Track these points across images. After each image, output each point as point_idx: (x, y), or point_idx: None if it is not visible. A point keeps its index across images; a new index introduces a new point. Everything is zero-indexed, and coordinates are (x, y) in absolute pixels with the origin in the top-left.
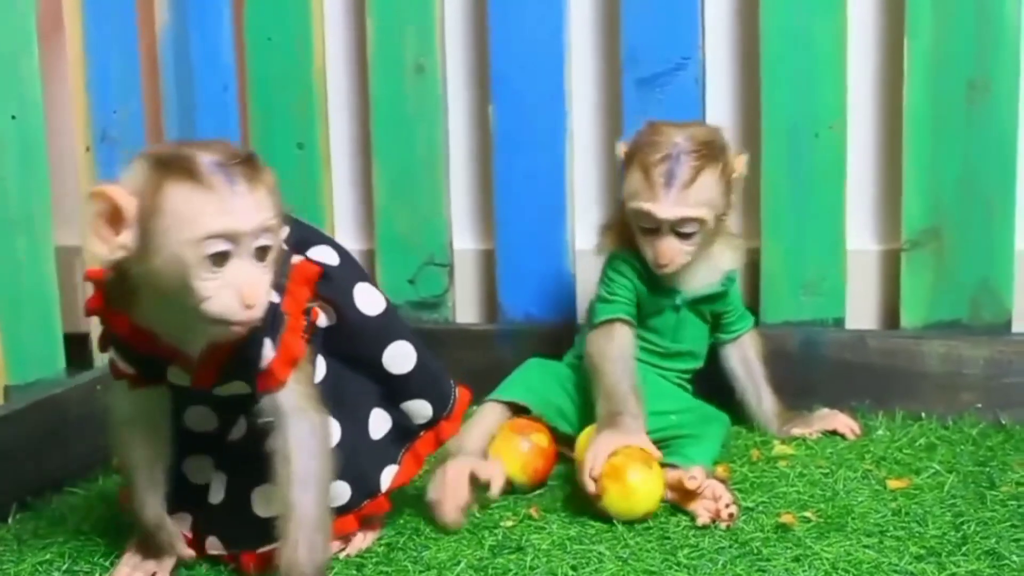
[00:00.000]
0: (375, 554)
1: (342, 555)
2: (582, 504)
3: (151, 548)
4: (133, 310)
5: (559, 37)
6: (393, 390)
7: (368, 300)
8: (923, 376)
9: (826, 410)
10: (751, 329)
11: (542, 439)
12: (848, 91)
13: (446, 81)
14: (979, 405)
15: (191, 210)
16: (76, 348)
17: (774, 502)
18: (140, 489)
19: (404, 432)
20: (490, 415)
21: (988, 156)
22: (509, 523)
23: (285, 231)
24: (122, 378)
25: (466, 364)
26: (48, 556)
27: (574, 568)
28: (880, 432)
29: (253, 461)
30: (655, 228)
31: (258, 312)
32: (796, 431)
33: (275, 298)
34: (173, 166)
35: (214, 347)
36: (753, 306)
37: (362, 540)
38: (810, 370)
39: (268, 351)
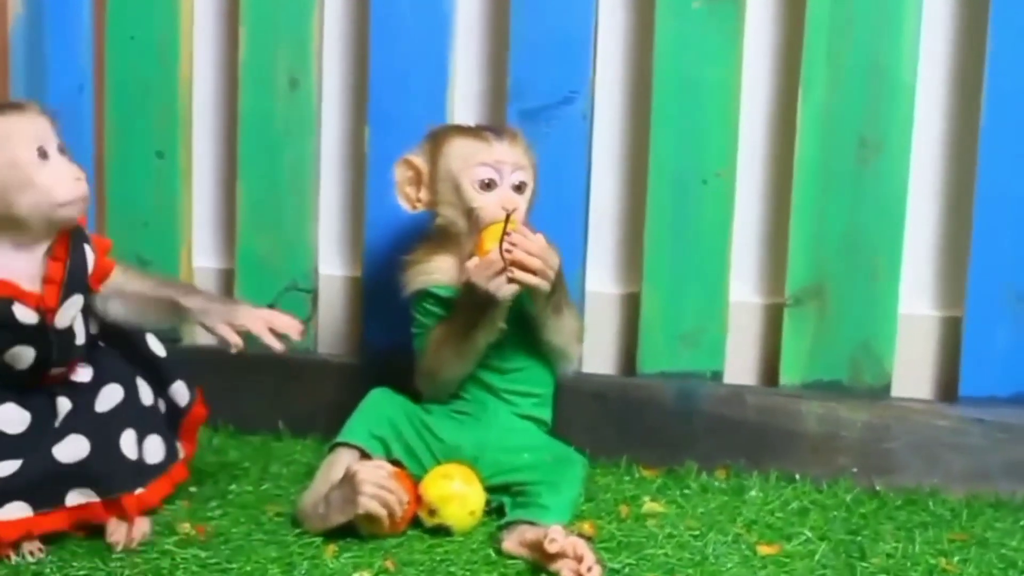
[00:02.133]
0: None
1: (119, 547)
2: (441, 557)
3: None
4: None
5: (442, 59)
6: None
7: None
8: (800, 436)
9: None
10: None
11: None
12: (739, 139)
13: (321, 98)
14: (855, 469)
15: None
16: None
17: (641, 564)
18: None
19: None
20: (339, 464)
21: (876, 216)
22: (364, 575)
23: None
24: None
25: (328, 397)
26: None
27: None
28: (753, 493)
29: (110, 409)
30: None
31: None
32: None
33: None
34: None
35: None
36: (629, 355)
37: (144, 525)
38: (685, 424)
39: (90, 254)
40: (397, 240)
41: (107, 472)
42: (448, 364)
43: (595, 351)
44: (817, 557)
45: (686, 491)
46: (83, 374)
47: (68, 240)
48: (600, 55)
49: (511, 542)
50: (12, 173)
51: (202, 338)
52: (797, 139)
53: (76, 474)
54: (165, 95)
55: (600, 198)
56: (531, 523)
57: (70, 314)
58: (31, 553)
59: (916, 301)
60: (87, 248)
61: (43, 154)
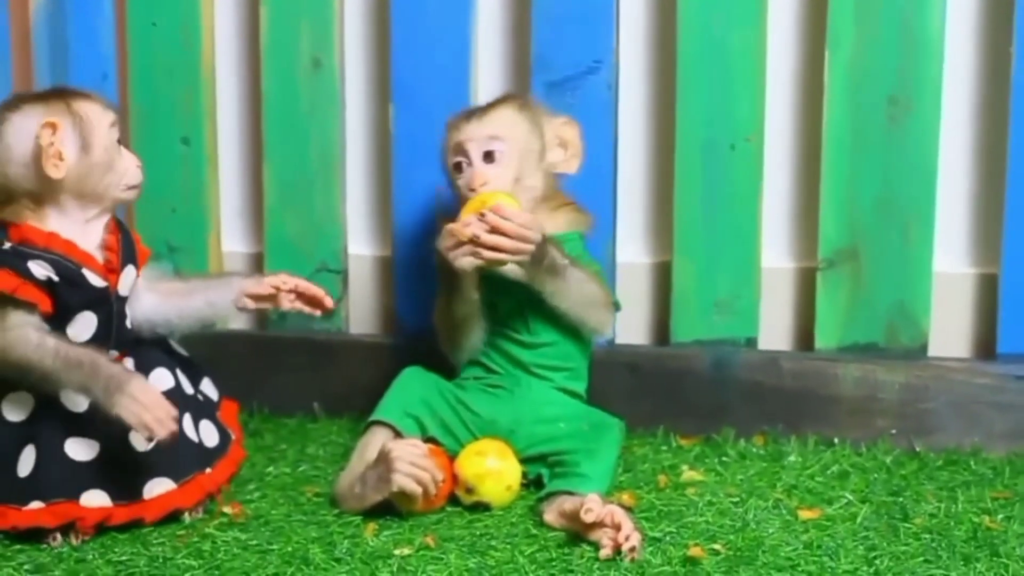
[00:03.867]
0: None
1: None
2: (481, 532)
3: None
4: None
5: (465, 34)
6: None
7: None
8: (837, 400)
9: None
10: None
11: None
12: (766, 102)
13: (344, 77)
14: (893, 431)
15: None
16: None
17: (682, 532)
18: None
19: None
20: (374, 443)
21: (908, 176)
22: (405, 552)
23: None
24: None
25: (362, 376)
26: None
27: None
28: (792, 458)
29: (163, 392)
30: None
31: None
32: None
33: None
34: None
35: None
36: (662, 324)
37: None
38: (721, 392)
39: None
40: (426, 218)
41: (177, 455)
42: (444, 329)
43: (628, 322)
44: (859, 520)
45: (724, 458)
46: (127, 365)
47: (116, 220)
48: (623, 23)
49: (551, 514)
50: (104, 155)
51: (235, 324)
52: (825, 100)
53: (152, 463)
54: (188, 81)
55: (628, 168)
56: (569, 493)
57: (127, 283)
58: (74, 536)
59: (951, 259)
60: (129, 231)
61: (119, 141)
